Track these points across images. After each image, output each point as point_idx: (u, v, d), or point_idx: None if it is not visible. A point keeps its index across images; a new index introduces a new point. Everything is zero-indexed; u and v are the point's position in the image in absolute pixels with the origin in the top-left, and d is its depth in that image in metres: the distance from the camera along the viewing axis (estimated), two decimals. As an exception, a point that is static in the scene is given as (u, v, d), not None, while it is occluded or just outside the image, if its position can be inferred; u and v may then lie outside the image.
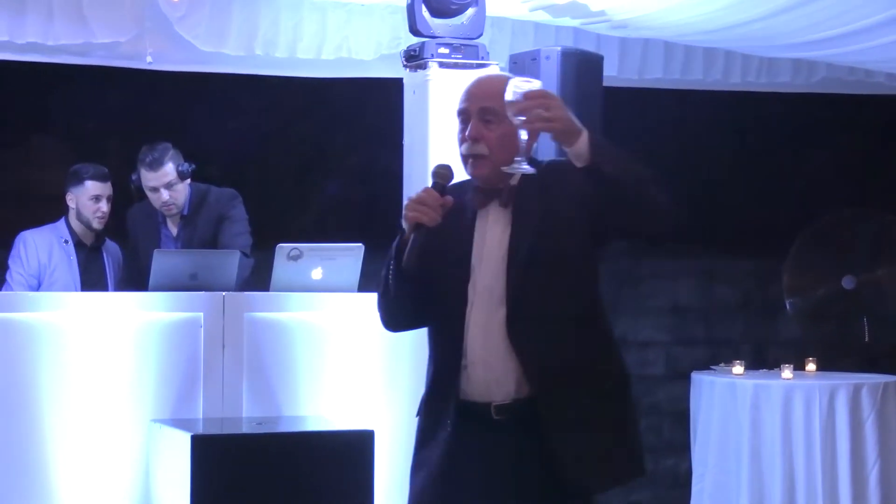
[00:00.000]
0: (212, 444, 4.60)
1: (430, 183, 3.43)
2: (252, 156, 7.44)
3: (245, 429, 4.92)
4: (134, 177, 5.99)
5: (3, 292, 5.88)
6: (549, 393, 3.37)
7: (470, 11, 5.63)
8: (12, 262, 6.06)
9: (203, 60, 6.34)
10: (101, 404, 4.92)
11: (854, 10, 5.57)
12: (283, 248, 5.22)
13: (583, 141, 3.23)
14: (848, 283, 7.54)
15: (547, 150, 4.26)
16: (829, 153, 8.42)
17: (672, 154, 8.00)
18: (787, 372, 6.61)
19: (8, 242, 6.13)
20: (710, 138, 8.24)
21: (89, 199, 6.08)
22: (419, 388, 3.60)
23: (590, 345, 3.46)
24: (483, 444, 3.41)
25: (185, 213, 5.98)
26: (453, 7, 5.60)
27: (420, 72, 5.62)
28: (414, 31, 5.62)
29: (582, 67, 5.67)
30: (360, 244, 5.31)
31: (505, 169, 3.38)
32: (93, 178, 6.10)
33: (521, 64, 5.67)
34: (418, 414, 3.56)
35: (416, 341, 4.19)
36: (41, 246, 6.07)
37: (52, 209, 6.30)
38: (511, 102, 3.26)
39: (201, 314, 5.05)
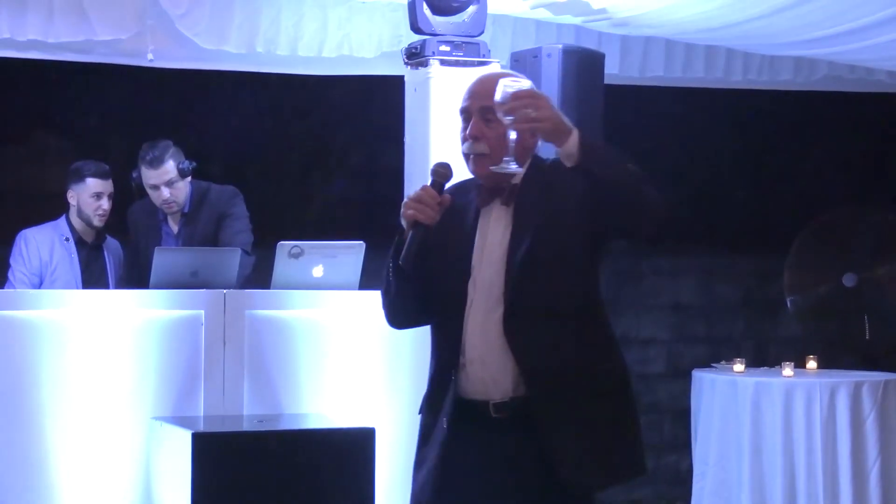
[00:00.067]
0: (213, 442, 4.60)
1: (429, 181, 3.43)
2: (253, 153, 7.45)
3: (246, 426, 4.93)
4: (135, 174, 5.99)
5: (4, 290, 5.88)
6: (546, 392, 3.37)
7: (471, 9, 5.63)
8: (13, 261, 6.06)
9: (204, 58, 6.34)
10: (102, 402, 4.92)
11: (855, 9, 5.56)
12: (284, 245, 5.22)
13: (573, 141, 3.24)
14: (849, 280, 7.54)
15: (549, 148, 4.26)
16: (830, 151, 8.42)
17: (673, 152, 8.02)
18: (787, 370, 6.61)
19: (9, 240, 6.13)
20: (711, 136, 8.25)
21: (90, 196, 6.08)
22: (420, 386, 3.60)
23: (588, 344, 3.45)
24: (481, 442, 3.42)
25: (186, 210, 5.99)
26: (454, 4, 5.60)
27: (421, 69, 5.62)
28: (415, 28, 5.62)
29: (583, 65, 5.67)
30: (362, 242, 5.31)
31: (493, 169, 3.40)
32: (94, 175, 6.10)
33: (523, 62, 5.67)
34: (420, 411, 3.57)
35: (417, 339, 4.19)
36: (42, 244, 6.07)
37: (52, 207, 6.30)
38: (500, 102, 3.28)
39: (202, 312, 5.05)
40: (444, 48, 5.57)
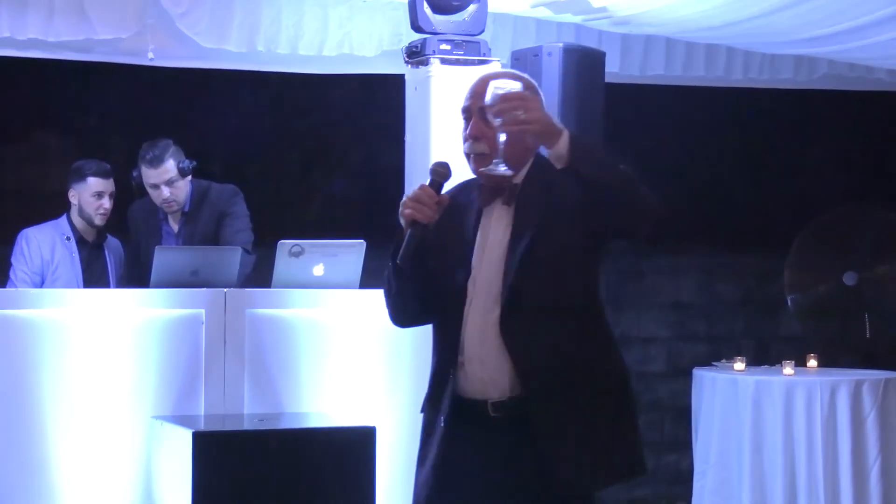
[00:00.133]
0: (213, 441, 4.60)
1: (428, 181, 3.44)
2: (253, 152, 7.45)
3: (246, 425, 4.93)
4: (135, 173, 5.99)
5: (5, 289, 5.88)
6: (543, 392, 3.37)
7: (472, 8, 5.63)
8: (15, 259, 6.06)
9: (205, 57, 6.34)
10: (103, 401, 4.92)
11: (854, 7, 5.57)
12: (285, 244, 5.22)
13: (563, 142, 3.25)
14: (849, 279, 7.54)
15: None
16: (831, 150, 8.42)
17: (673, 151, 8.02)
18: (788, 368, 6.61)
19: (10, 239, 6.13)
20: (711, 135, 8.25)
21: (91, 195, 6.09)
22: (421, 385, 3.60)
23: (587, 344, 3.45)
24: (480, 441, 3.42)
25: (187, 209, 5.99)
26: (455, 3, 5.60)
27: (422, 68, 5.62)
28: (416, 27, 5.62)
29: (584, 64, 5.67)
30: (362, 241, 5.31)
31: (482, 170, 3.42)
32: (95, 174, 6.10)
33: (523, 60, 5.67)
34: (422, 410, 3.57)
35: (417, 338, 4.19)
36: (43, 243, 6.07)
37: (53, 206, 6.30)
38: (489, 104, 3.30)
39: (203, 311, 5.05)
40: (444, 47, 5.58)
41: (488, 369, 3.42)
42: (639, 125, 7.60)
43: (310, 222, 7.42)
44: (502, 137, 3.34)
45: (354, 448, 4.71)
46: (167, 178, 5.88)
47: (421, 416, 3.58)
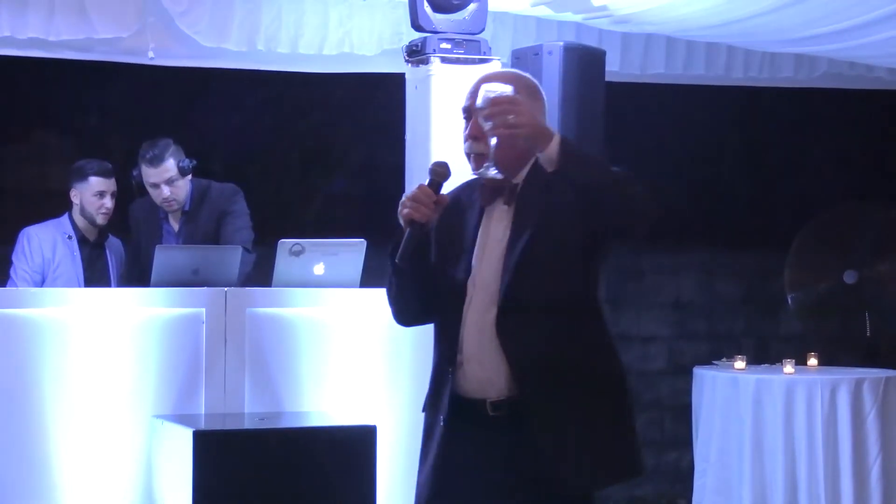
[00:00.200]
0: (214, 440, 4.60)
1: (427, 180, 3.45)
2: (254, 151, 7.45)
3: (247, 424, 4.93)
4: (135, 172, 6.00)
5: (6, 288, 5.89)
6: (538, 392, 3.37)
7: (472, 6, 5.63)
8: (16, 258, 6.06)
9: (205, 56, 6.34)
10: (104, 400, 4.92)
11: (854, 6, 5.57)
12: (285, 243, 5.22)
13: (553, 146, 3.26)
14: (849, 277, 7.54)
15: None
16: (831, 148, 8.42)
17: (674, 149, 8.01)
18: (788, 367, 6.61)
19: (11, 238, 6.13)
20: (711, 133, 8.25)
21: (93, 195, 6.09)
22: (421, 384, 3.60)
23: (584, 344, 3.45)
24: (479, 440, 3.42)
25: (187, 208, 5.99)
26: (455, 2, 5.60)
27: (422, 67, 5.62)
28: (416, 26, 5.62)
29: (584, 62, 5.67)
30: (363, 240, 5.31)
31: (474, 173, 3.43)
32: (97, 174, 6.11)
33: (524, 59, 5.67)
34: (423, 409, 3.58)
35: (418, 337, 4.19)
36: (45, 241, 6.07)
37: (54, 205, 6.30)
38: (479, 108, 3.31)
39: (203, 310, 5.05)
40: (444, 46, 5.57)
41: (486, 369, 3.42)
42: (639, 124, 7.60)
43: (310, 221, 7.42)
44: (493, 141, 3.35)
45: (355, 447, 4.70)
46: (167, 178, 5.88)
47: (422, 415, 3.58)
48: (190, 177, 5.96)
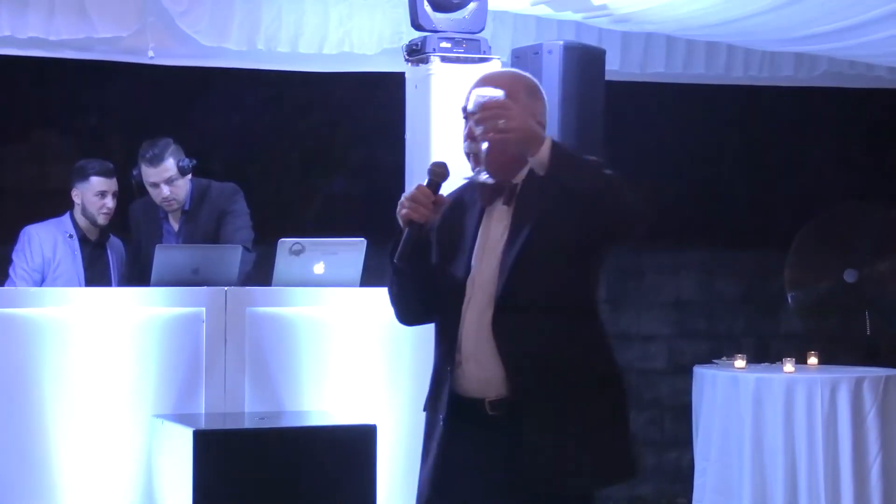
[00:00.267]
0: (214, 440, 4.60)
1: (426, 180, 3.45)
2: (254, 151, 7.45)
3: (247, 424, 4.93)
4: (135, 172, 5.99)
5: (6, 287, 5.89)
6: (534, 392, 3.37)
7: (472, 6, 5.63)
8: (16, 256, 6.06)
9: (205, 55, 6.34)
10: (104, 399, 4.92)
11: (854, 5, 5.57)
12: (285, 242, 5.22)
13: (544, 151, 3.26)
14: (850, 276, 7.54)
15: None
16: (831, 147, 8.42)
17: (674, 148, 8.01)
18: (788, 365, 6.61)
19: (12, 237, 6.13)
20: (711, 132, 8.25)
21: (94, 195, 6.09)
22: (421, 383, 3.61)
23: (580, 345, 3.45)
24: (479, 439, 3.42)
25: (187, 208, 5.99)
26: (455, 1, 5.60)
27: (422, 66, 5.62)
28: (416, 25, 5.62)
29: (584, 61, 5.67)
30: (363, 239, 5.32)
31: (465, 178, 3.45)
32: (98, 174, 6.11)
33: (523, 58, 5.66)
34: (424, 408, 3.58)
35: (418, 336, 4.19)
36: (46, 241, 6.07)
37: (54, 205, 6.30)
38: (471, 112, 3.31)
39: (203, 309, 5.05)
40: (444, 45, 5.57)
41: (484, 368, 3.42)
42: (639, 123, 7.60)
43: (310, 220, 7.42)
44: (484, 145, 3.36)
45: (355, 446, 4.70)
46: (167, 177, 5.88)
47: (423, 414, 3.58)
48: (190, 176, 5.96)
